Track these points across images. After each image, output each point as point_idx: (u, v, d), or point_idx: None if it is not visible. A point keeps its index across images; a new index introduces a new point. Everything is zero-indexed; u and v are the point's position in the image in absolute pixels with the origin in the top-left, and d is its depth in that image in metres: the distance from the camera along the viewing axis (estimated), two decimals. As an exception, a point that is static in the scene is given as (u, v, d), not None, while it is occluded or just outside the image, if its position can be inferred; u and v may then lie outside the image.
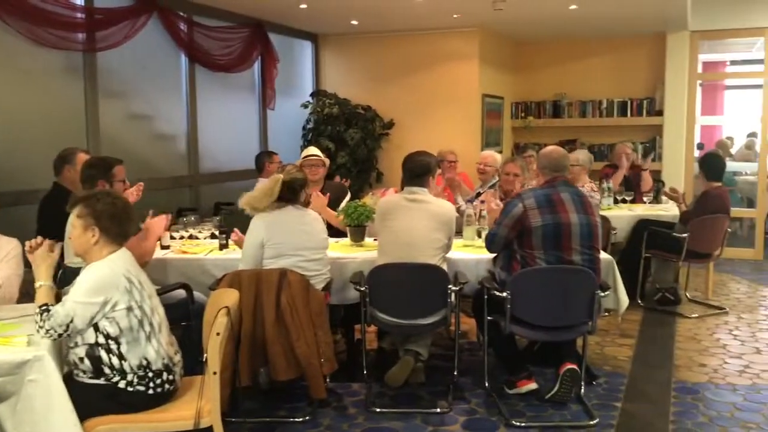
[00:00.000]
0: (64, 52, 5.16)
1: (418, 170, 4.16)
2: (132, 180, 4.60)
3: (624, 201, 6.75)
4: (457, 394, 4.14)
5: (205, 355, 2.79)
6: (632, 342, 5.14)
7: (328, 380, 4.10)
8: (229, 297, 2.94)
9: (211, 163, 6.83)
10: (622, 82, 8.78)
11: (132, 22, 5.58)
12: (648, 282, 6.36)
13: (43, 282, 2.80)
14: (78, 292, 2.71)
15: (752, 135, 10.80)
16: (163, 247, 4.60)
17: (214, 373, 2.73)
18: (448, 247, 4.19)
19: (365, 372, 4.19)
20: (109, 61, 5.56)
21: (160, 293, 3.89)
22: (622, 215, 6.31)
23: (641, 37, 8.58)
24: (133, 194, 4.39)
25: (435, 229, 4.05)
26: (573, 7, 6.66)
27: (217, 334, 2.73)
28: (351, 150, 7.86)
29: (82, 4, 5.24)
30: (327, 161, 5.43)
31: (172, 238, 4.74)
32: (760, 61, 8.22)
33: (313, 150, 5.38)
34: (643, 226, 6.13)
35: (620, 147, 7.10)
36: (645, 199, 6.85)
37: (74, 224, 2.85)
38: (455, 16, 7.04)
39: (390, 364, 4.23)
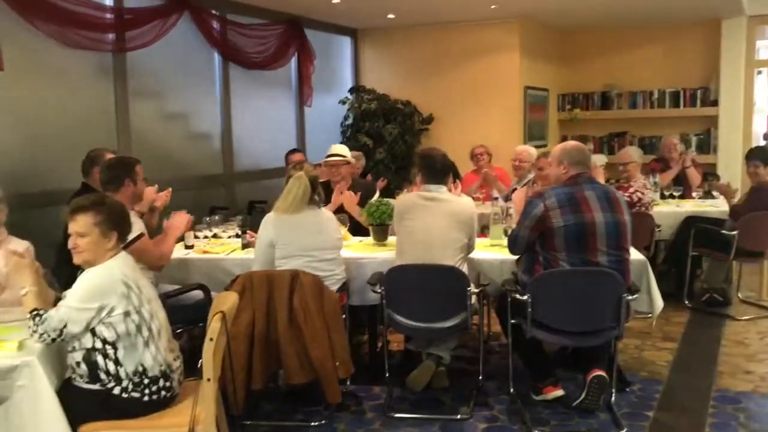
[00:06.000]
0: (94, 53, 5.21)
1: (440, 167, 4.01)
2: (166, 179, 4.63)
3: (672, 196, 6.44)
4: (481, 400, 4.00)
5: (200, 361, 2.73)
6: (674, 346, 4.87)
7: (348, 383, 4.04)
8: (227, 301, 2.88)
9: (247, 161, 6.83)
10: (675, 71, 8.40)
11: (162, 21, 5.60)
12: (699, 281, 6.05)
13: (29, 287, 2.78)
14: (73, 297, 2.69)
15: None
16: (187, 247, 4.60)
17: (208, 379, 2.67)
18: (469, 248, 4.03)
19: (387, 375, 4.08)
20: (141, 60, 5.59)
21: (177, 294, 3.92)
22: (668, 211, 6.03)
23: (694, 24, 8.19)
24: (162, 198, 4.40)
25: (454, 229, 3.90)
26: (617, -7, 6.38)
27: (210, 339, 2.66)
28: (389, 146, 7.75)
29: (111, 4, 5.28)
30: (353, 160, 5.31)
31: (195, 237, 4.73)
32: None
33: (337, 149, 5.26)
34: (691, 222, 5.83)
35: (666, 139, 6.79)
36: (694, 194, 6.52)
37: (87, 231, 2.77)
38: (493, 6, 6.84)
39: (416, 366, 4.12)
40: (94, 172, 4.45)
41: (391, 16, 7.35)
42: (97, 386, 2.71)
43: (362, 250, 4.43)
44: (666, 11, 7.61)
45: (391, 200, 4.77)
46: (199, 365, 2.72)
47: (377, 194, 5.49)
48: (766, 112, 10.32)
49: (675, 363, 4.55)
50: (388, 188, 7.05)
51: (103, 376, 2.71)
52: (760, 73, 8.66)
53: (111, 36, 5.26)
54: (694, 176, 6.64)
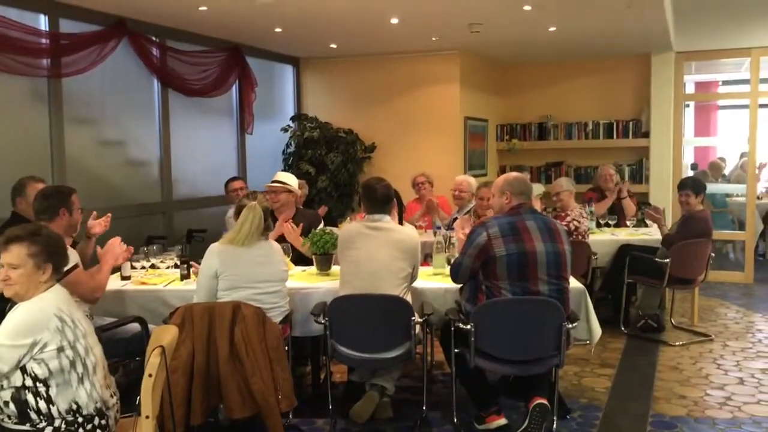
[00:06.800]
0: (29, 78, 5.06)
1: (380, 197, 4.02)
2: (102, 207, 4.49)
3: (607, 225, 6.62)
4: (425, 430, 3.98)
5: (138, 397, 2.64)
6: (612, 372, 4.97)
7: (290, 416, 3.97)
8: (166, 334, 2.79)
9: (187, 189, 6.70)
10: (608, 103, 8.67)
11: (100, 47, 5.48)
12: (634, 308, 6.21)
13: None
14: (3, 334, 2.56)
15: (745, 155, 10.66)
16: (124, 278, 4.46)
17: (147, 417, 2.58)
18: (413, 277, 4.04)
19: (330, 407, 4.02)
20: (78, 86, 5.45)
21: (113, 327, 3.79)
22: (604, 240, 6.19)
23: (626, 58, 8.49)
24: (101, 224, 4.26)
25: (398, 258, 3.90)
26: (552, 29, 6.57)
27: (150, 375, 2.57)
28: (332, 174, 7.74)
29: (47, 29, 5.14)
30: (296, 189, 5.24)
31: (133, 268, 4.60)
32: (748, 81, 8.12)
33: (281, 176, 5.20)
34: (626, 250, 6.00)
35: (603, 169, 6.99)
36: (628, 222, 6.72)
37: (20, 263, 2.66)
38: (434, 38, 6.96)
39: (359, 397, 4.08)
40: (18, 202, 4.31)
41: (333, 45, 7.39)
42: (26, 426, 2.59)
43: (305, 280, 4.39)
44: (599, 47, 7.89)
45: (334, 229, 4.75)
46: (137, 401, 2.62)
47: (321, 225, 5.46)
48: (693, 143, 10.77)
49: (613, 389, 4.64)
50: (330, 215, 7.03)
51: (33, 415, 2.59)
52: (687, 106, 9.03)
53: (46, 61, 5.11)
54: (630, 207, 6.85)
